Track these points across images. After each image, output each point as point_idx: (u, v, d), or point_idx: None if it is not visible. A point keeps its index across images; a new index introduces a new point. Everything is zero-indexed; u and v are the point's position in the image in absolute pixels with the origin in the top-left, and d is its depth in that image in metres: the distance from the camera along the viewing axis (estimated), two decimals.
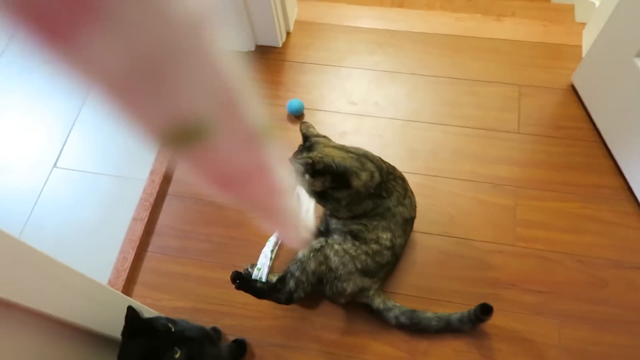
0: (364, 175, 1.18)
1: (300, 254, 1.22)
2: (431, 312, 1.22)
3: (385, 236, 1.24)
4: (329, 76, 1.70)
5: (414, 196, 1.31)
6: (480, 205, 1.43)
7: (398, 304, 1.25)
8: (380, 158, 1.26)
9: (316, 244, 1.23)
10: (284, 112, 1.63)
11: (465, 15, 1.79)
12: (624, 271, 1.31)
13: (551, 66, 1.64)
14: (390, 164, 1.28)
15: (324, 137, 1.24)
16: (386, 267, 1.27)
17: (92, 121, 1.70)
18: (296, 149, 1.23)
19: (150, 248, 1.45)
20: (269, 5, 1.59)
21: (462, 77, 1.65)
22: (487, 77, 1.64)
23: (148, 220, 1.46)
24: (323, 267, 1.21)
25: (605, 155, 1.47)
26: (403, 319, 1.23)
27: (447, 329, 1.20)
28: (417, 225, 1.40)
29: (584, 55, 1.59)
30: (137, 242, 1.42)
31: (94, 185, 1.58)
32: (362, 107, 1.62)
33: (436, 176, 1.48)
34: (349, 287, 1.22)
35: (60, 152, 1.64)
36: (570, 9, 2.01)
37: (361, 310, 1.28)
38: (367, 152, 1.24)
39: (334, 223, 1.30)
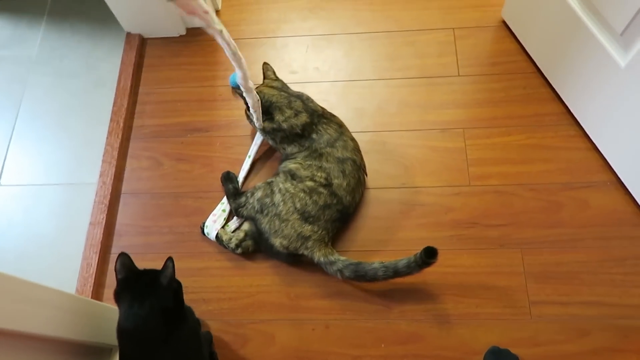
0: (288, 112, 1.33)
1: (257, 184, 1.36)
2: (377, 261, 1.21)
3: (320, 174, 1.29)
4: (266, 48, 1.67)
5: (354, 142, 1.37)
6: (432, 152, 1.46)
7: (342, 258, 1.25)
8: (318, 106, 1.38)
9: (269, 179, 1.35)
10: (227, 91, 1.61)
11: None
12: (575, 191, 1.37)
13: (480, 5, 1.65)
14: (329, 112, 1.40)
15: (275, 79, 1.43)
16: (327, 213, 1.27)
17: (29, 134, 1.64)
18: None
19: (113, 250, 1.42)
20: None
21: (396, 29, 1.65)
22: (420, 25, 1.64)
23: (106, 223, 1.43)
24: (267, 200, 1.29)
25: (543, 84, 1.51)
26: (347, 273, 1.23)
27: (395, 276, 1.20)
28: (375, 181, 1.43)
29: None
30: (99, 246, 1.40)
31: (44, 197, 1.53)
32: (303, 74, 1.61)
33: (385, 131, 1.50)
34: (286, 229, 1.26)
35: (2, 170, 1.58)
36: None
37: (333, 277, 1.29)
38: (304, 96, 1.38)
39: (280, 166, 1.38)
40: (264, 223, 1.29)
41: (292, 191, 1.27)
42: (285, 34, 1.69)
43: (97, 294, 1.35)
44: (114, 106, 1.61)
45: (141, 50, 1.72)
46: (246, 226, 1.36)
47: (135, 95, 1.64)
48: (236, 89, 1.60)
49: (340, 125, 1.38)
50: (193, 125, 1.57)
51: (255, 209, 1.31)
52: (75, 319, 1.06)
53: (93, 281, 1.35)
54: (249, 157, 1.47)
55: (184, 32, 1.72)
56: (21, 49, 1.80)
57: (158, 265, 1.36)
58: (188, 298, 1.31)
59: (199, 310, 1.30)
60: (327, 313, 1.29)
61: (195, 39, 1.71)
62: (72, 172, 1.56)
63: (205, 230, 1.38)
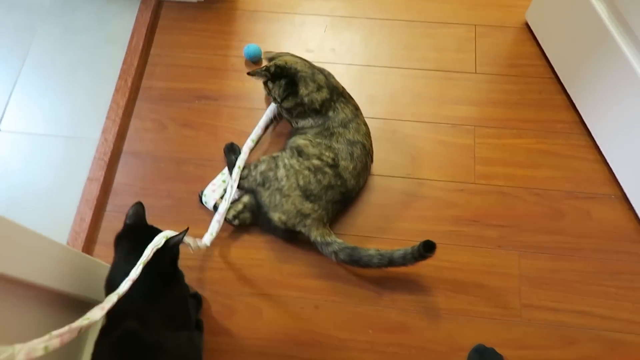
0: (312, 86, 1.29)
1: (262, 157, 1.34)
2: (373, 249, 1.20)
3: (328, 154, 1.27)
4: (283, 24, 1.65)
5: (366, 126, 1.35)
6: (441, 145, 1.45)
7: (339, 240, 1.24)
8: (339, 84, 1.36)
9: (275, 153, 1.32)
10: (239, 62, 1.58)
11: None
12: (579, 201, 1.36)
13: (505, 4, 1.63)
14: (348, 93, 1.37)
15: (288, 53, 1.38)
16: (330, 194, 1.26)
17: (34, 83, 1.61)
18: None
19: (108, 207, 1.40)
20: None
21: (418, 19, 1.63)
22: (442, 18, 1.62)
23: (104, 180, 1.41)
24: (271, 174, 1.27)
25: (559, 91, 1.49)
26: (342, 256, 1.22)
27: (390, 265, 1.19)
28: (380, 169, 1.41)
29: None
30: (94, 202, 1.38)
31: (44, 147, 1.51)
32: (319, 54, 1.59)
33: (396, 120, 1.48)
34: (287, 204, 1.24)
35: (2, 115, 1.55)
36: None
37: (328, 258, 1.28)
38: (325, 71, 1.35)
39: (288, 141, 1.36)
40: (265, 196, 1.27)
41: (297, 168, 1.26)
42: (304, 12, 1.67)
43: (87, 249, 1.34)
44: (123, 64, 1.58)
45: (157, 11, 1.69)
46: (246, 198, 1.34)
47: (146, 56, 1.62)
48: (250, 60, 1.58)
49: (357, 108, 1.35)
50: (202, 93, 1.54)
51: (257, 181, 1.29)
52: (64, 270, 1.04)
53: (85, 236, 1.33)
54: (252, 140, 1.41)
55: None
56: None
57: None
58: (183, 264, 1.30)
59: (190, 277, 1.29)
60: (318, 293, 1.28)
61: (213, 6, 1.68)
62: (75, 125, 1.54)
63: (204, 199, 1.36)
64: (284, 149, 1.34)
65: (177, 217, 1.37)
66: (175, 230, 1.02)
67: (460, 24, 1.61)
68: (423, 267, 1.27)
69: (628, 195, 1.34)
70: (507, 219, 1.35)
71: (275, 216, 1.26)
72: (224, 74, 1.58)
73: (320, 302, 1.27)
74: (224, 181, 1.38)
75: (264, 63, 1.37)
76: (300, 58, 1.34)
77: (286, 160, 1.28)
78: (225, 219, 1.31)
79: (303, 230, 1.26)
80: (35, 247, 0.94)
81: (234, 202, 1.35)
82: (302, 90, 1.29)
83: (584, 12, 1.30)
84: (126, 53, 1.61)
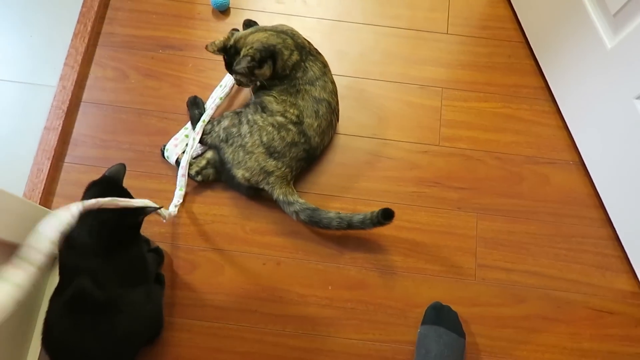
0: (286, 53, 1.24)
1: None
2: (334, 211, 1.22)
3: (292, 111, 1.25)
4: None
5: (333, 84, 1.32)
6: (408, 106, 1.44)
7: (301, 200, 1.25)
8: (305, 40, 1.29)
9: (238, 109, 1.31)
10: (207, 11, 1.52)
11: None
12: (538, 166, 1.40)
13: None
14: (315, 48, 1.32)
15: (235, 29, 1.32)
16: (294, 151, 1.25)
17: None
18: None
19: (67, 159, 1.36)
20: None
21: None
22: None
23: (62, 130, 1.36)
24: (234, 130, 1.26)
25: (528, 56, 1.49)
26: (303, 216, 1.23)
27: (349, 228, 1.21)
28: (346, 128, 1.41)
29: None
30: (52, 152, 1.33)
31: None
32: (290, 5, 1.54)
33: (365, 78, 1.46)
34: (250, 161, 1.24)
35: None
36: None
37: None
38: (289, 31, 1.28)
39: (252, 96, 1.34)
40: (228, 153, 1.26)
41: (261, 124, 1.24)
42: None
43: (45, 201, 1.30)
44: (82, 7, 1.50)
45: None
46: (209, 154, 1.32)
47: None
48: (217, 9, 1.52)
49: (325, 65, 1.31)
50: (166, 42, 1.48)
51: (220, 137, 1.27)
52: (19, 222, 1.02)
53: (42, 187, 1.30)
54: (220, 98, 1.36)
55: None
56: None
57: None
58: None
59: (151, 231, 1.28)
60: (280, 250, 1.29)
61: None
62: (31, 71, 1.46)
63: (166, 154, 1.34)
64: (248, 105, 1.32)
65: (139, 170, 1.35)
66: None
67: None
68: (384, 227, 1.29)
69: (586, 162, 1.38)
70: (468, 182, 1.37)
71: (239, 173, 1.25)
72: (190, 22, 1.52)
73: (282, 259, 1.29)
74: (186, 136, 1.35)
75: (229, 28, 1.33)
76: (264, 28, 1.27)
77: (250, 116, 1.26)
78: (189, 175, 1.29)
79: (266, 188, 1.25)
80: None
81: (196, 157, 1.33)
82: (279, 62, 1.24)
83: None
84: None
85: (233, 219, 1.32)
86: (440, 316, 1.20)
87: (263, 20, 1.50)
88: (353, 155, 1.39)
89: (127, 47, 1.48)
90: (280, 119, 1.24)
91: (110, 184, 1.02)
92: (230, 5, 1.52)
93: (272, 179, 1.25)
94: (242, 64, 1.20)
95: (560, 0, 1.29)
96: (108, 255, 0.96)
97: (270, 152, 1.23)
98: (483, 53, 1.50)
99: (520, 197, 1.36)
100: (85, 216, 0.86)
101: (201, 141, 1.31)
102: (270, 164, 1.24)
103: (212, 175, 1.31)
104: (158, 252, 1.25)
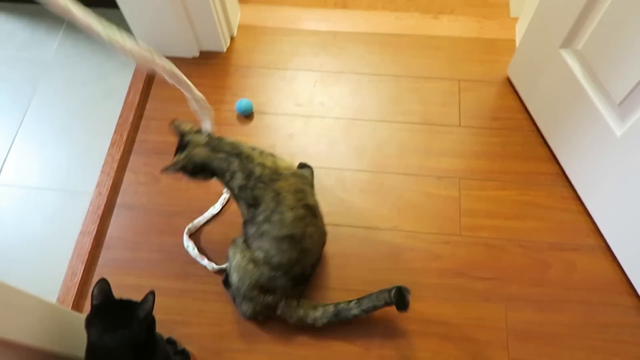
0: (228, 175, 1.18)
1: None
2: (355, 308, 1.22)
3: (258, 254, 1.21)
4: (275, 79, 1.71)
5: (293, 210, 1.17)
6: (427, 197, 1.47)
7: (318, 314, 1.24)
8: (261, 163, 1.18)
9: (235, 241, 1.28)
10: (232, 116, 1.63)
11: (404, 14, 1.83)
12: (564, 253, 1.38)
13: (488, 60, 1.70)
14: (271, 171, 1.18)
15: (197, 132, 1.22)
16: (279, 283, 1.21)
17: (33, 136, 1.66)
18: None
19: (100, 261, 1.42)
20: (210, 11, 1.59)
21: (404, 74, 1.69)
22: (427, 73, 1.68)
23: (96, 233, 1.43)
24: (234, 275, 1.24)
25: (541, 143, 1.53)
26: (326, 321, 1.23)
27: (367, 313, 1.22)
28: (367, 221, 1.44)
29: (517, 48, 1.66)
30: (86, 256, 1.40)
31: (38, 201, 1.54)
32: (309, 108, 1.64)
33: (383, 172, 1.52)
34: (252, 304, 1.25)
35: (1, 169, 1.59)
36: (506, 4, 2.09)
37: None
38: (244, 151, 1.19)
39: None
40: (232, 290, 1.29)
41: (244, 265, 1.21)
42: (295, 67, 1.73)
43: (77, 304, 1.35)
44: (119, 118, 1.64)
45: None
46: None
47: (142, 110, 1.67)
48: (242, 114, 1.63)
49: (278, 193, 1.17)
50: None
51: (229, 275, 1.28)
52: (51, 328, 1.05)
53: (76, 291, 1.35)
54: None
55: (197, 55, 1.76)
56: (37, 52, 1.84)
57: (140, 282, 1.37)
58: (168, 319, 1.31)
59: (178, 333, 1.29)
60: (308, 350, 1.28)
61: (208, 62, 1.75)
62: (70, 179, 1.58)
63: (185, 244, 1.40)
64: (237, 239, 1.29)
65: (167, 270, 1.39)
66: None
67: (445, 78, 1.67)
68: (411, 322, 1.28)
69: (611, 246, 1.36)
70: (493, 271, 1.36)
71: (248, 311, 1.27)
72: (217, 127, 1.62)
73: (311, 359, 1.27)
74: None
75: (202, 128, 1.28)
76: (221, 147, 1.19)
77: (234, 262, 1.23)
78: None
79: (282, 317, 1.26)
80: (22, 306, 0.96)
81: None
82: (226, 181, 1.21)
83: (560, 69, 1.35)
84: (123, 107, 1.66)
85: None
86: None
87: (284, 121, 1.61)
88: (375, 248, 1.41)
89: (159, 152, 1.59)
90: (256, 256, 1.22)
91: (105, 306, 1.00)
92: (253, 110, 1.63)
93: (278, 311, 1.25)
94: (171, 168, 1.19)
95: (566, 91, 1.35)
96: None
97: (265, 290, 1.22)
98: (496, 142, 1.55)
99: (548, 285, 1.34)
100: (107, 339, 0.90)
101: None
102: (269, 299, 1.23)
103: None
104: (184, 355, 1.25)
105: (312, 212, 1.23)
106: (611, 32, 1.15)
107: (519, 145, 1.54)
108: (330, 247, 1.39)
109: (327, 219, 1.32)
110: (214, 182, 1.49)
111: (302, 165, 1.45)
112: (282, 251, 1.19)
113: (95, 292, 0.99)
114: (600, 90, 1.24)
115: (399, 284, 1.17)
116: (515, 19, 1.81)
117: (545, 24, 1.37)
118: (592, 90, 1.27)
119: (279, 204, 1.17)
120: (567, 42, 1.30)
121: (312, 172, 1.43)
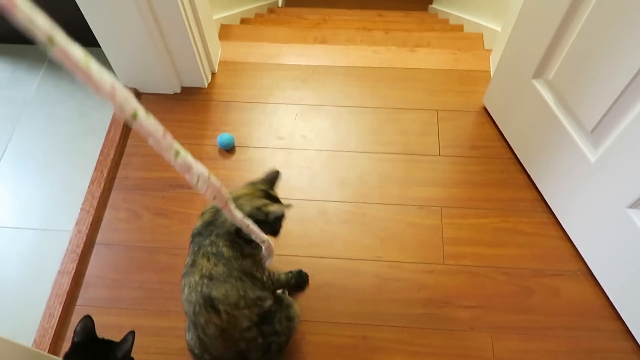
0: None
1: None
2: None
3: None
4: (256, 113, 1.73)
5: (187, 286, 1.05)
6: (409, 227, 1.48)
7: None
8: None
9: None
10: (213, 151, 1.64)
11: (382, 48, 1.88)
12: (547, 279, 1.38)
13: (464, 90, 1.74)
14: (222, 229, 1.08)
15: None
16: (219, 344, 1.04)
17: (11, 174, 1.64)
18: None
19: (79, 301, 1.39)
20: (191, 48, 1.61)
21: (383, 105, 1.72)
22: (406, 104, 1.72)
23: (75, 272, 1.40)
24: None
25: (520, 171, 1.56)
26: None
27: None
28: (350, 252, 1.44)
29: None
30: (64, 296, 1.36)
31: (16, 240, 1.51)
32: (290, 140, 1.66)
33: (365, 202, 1.52)
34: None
35: None
36: (480, 36, 2.16)
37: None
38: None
39: None
40: None
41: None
42: (276, 101, 1.75)
43: (55, 347, 1.30)
44: (100, 155, 1.63)
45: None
46: None
47: (122, 146, 1.67)
48: (223, 149, 1.63)
49: (194, 262, 1.08)
50: (176, 181, 1.58)
51: None
52: None
53: (53, 333, 1.31)
54: None
55: (178, 91, 1.78)
56: (17, 91, 1.83)
57: (120, 321, 1.34)
58: (151, 359, 1.28)
59: None
60: None
61: (189, 97, 1.77)
62: (49, 217, 1.55)
63: None
64: None
65: (148, 308, 1.36)
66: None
67: (423, 109, 1.70)
68: (397, 353, 1.26)
69: (593, 271, 1.37)
70: (478, 299, 1.36)
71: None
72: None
73: None
74: None
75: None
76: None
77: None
78: None
79: None
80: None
81: None
82: None
83: (533, 98, 1.39)
84: (103, 144, 1.66)
85: None
86: None
87: (266, 155, 1.61)
88: (359, 279, 1.40)
89: (140, 188, 1.58)
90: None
91: (86, 345, 0.98)
92: (235, 144, 1.64)
93: None
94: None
95: (540, 119, 1.39)
96: None
97: None
98: (476, 171, 1.57)
99: (533, 312, 1.34)
100: None
101: None
102: None
103: None
104: None
105: (210, 304, 1.01)
106: (579, 63, 1.19)
107: (498, 172, 1.56)
108: (314, 280, 1.38)
109: (310, 251, 1.32)
110: (195, 219, 1.48)
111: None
112: (198, 326, 1.05)
113: (78, 329, 0.97)
114: (572, 118, 1.28)
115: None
116: (489, 51, 1.87)
117: (517, 56, 1.42)
118: (565, 118, 1.30)
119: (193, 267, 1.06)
120: (539, 73, 1.34)
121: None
